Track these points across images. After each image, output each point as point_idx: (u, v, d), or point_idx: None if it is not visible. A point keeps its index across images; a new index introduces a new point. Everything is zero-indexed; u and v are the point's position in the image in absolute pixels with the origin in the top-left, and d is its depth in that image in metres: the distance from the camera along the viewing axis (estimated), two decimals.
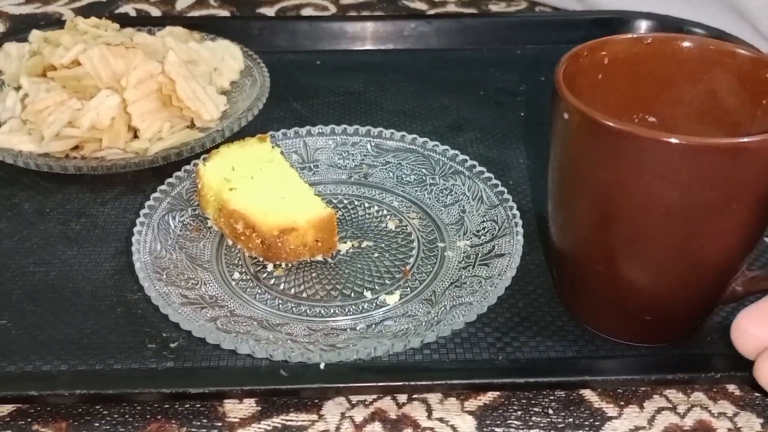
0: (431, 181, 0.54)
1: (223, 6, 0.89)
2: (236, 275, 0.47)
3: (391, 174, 0.56)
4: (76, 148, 0.57)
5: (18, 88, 0.60)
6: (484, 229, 0.49)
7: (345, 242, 0.50)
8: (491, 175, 0.52)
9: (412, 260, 0.49)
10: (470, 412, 0.41)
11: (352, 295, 0.46)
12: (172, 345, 0.43)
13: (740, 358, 0.38)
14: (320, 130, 0.57)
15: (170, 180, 0.52)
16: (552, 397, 0.41)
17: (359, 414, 0.41)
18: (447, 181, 0.54)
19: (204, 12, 0.88)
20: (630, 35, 0.44)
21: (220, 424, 0.40)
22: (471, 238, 0.49)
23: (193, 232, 0.50)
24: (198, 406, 0.41)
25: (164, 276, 0.45)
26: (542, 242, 0.50)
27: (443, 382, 0.41)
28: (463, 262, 0.48)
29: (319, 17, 0.84)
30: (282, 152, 0.53)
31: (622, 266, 0.40)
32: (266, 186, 0.50)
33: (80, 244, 0.51)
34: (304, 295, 0.46)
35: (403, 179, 0.55)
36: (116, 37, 0.62)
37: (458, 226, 0.51)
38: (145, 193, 0.53)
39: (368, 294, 0.46)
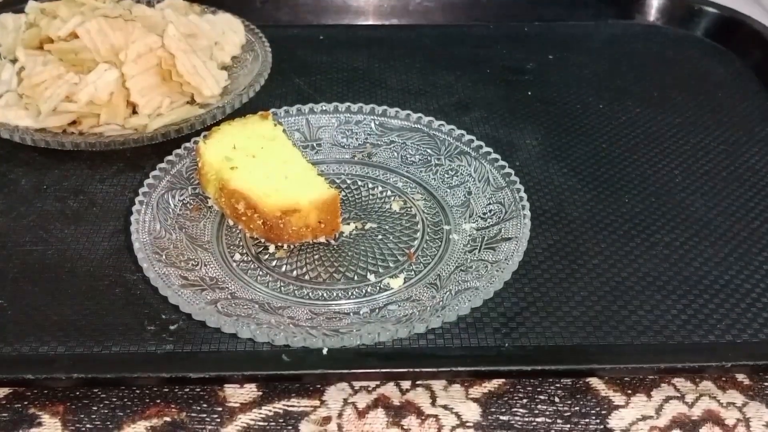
0: (436, 162, 0.53)
1: None
2: (237, 256, 0.46)
3: (395, 154, 0.55)
4: (73, 123, 0.56)
5: (14, 61, 0.59)
6: (490, 211, 0.48)
7: (348, 224, 0.49)
8: (498, 156, 0.51)
9: (416, 243, 0.48)
10: (475, 399, 0.40)
11: (356, 278, 0.45)
12: (172, 327, 0.42)
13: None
14: (323, 108, 0.56)
15: (170, 157, 0.51)
16: (558, 385, 0.41)
17: (362, 400, 0.40)
18: (452, 162, 0.53)
19: None
20: None
21: (220, 408, 0.39)
22: (477, 220, 0.48)
23: (194, 211, 0.49)
24: (198, 390, 0.40)
25: (164, 256, 0.44)
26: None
27: (448, 368, 0.40)
28: (468, 246, 0.47)
29: None
30: (284, 130, 0.52)
31: None
32: (268, 165, 0.49)
33: (78, 223, 0.50)
34: (307, 277, 0.45)
35: (408, 159, 0.54)
36: (114, 9, 0.60)
37: (464, 208, 0.50)
38: (144, 171, 0.52)
39: (372, 277, 0.45)
